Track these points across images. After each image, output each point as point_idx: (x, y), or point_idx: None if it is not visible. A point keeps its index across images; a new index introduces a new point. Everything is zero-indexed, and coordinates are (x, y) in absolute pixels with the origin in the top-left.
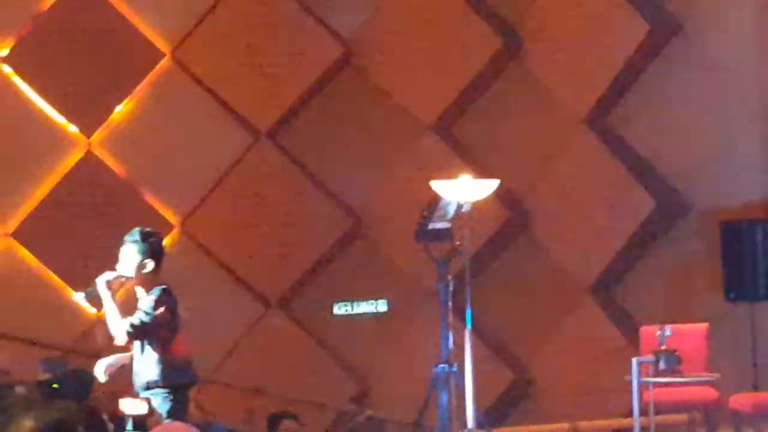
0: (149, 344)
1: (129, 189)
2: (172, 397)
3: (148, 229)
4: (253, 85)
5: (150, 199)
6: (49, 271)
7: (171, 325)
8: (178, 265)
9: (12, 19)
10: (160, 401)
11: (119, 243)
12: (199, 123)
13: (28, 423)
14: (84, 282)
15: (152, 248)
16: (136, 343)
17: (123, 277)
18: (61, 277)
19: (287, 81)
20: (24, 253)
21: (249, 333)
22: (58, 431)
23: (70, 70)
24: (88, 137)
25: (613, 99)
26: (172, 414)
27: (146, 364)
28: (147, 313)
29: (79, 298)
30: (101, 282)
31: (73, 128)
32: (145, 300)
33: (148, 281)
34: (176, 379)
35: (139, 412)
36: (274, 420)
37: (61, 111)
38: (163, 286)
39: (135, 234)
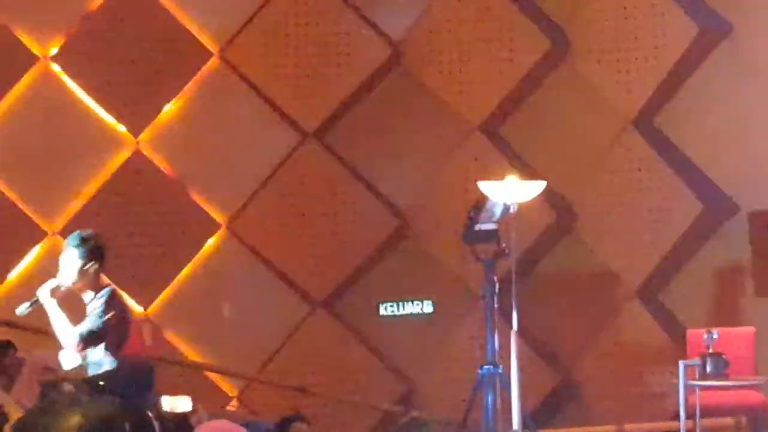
0: (103, 349)
1: (176, 188)
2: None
3: (86, 232)
4: (300, 85)
5: (197, 198)
6: None
7: (121, 328)
8: (225, 265)
9: (62, 19)
10: None
11: (163, 243)
12: (247, 123)
13: (74, 419)
14: (130, 281)
15: (92, 250)
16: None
17: (64, 285)
18: (109, 276)
19: (335, 81)
20: None
21: (295, 333)
22: (105, 428)
23: (119, 69)
24: (136, 136)
25: (661, 101)
26: None
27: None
28: (97, 318)
29: (21, 311)
30: (43, 292)
31: (121, 127)
32: (93, 305)
33: (93, 284)
34: (131, 382)
35: (182, 410)
36: (284, 423)
37: (110, 110)
38: (110, 289)
39: (73, 239)
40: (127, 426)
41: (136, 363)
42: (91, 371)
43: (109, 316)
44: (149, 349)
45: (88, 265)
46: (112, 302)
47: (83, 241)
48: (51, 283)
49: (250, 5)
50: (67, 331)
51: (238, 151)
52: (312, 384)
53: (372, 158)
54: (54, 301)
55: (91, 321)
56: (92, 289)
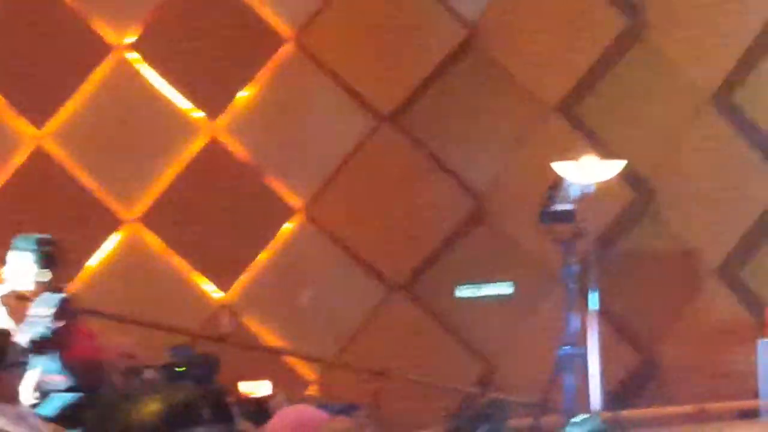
0: (52, 355)
1: (252, 173)
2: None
3: (44, 236)
4: (376, 68)
5: (273, 183)
6: (176, 255)
7: (70, 334)
8: (302, 250)
9: (139, 7)
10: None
11: (240, 228)
12: (322, 107)
13: (153, 405)
14: (209, 267)
15: (49, 257)
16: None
17: (17, 291)
18: (188, 262)
19: (411, 64)
20: (151, 238)
21: (373, 316)
22: (184, 413)
23: (195, 56)
24: (213, 122)
25: (740, 77)
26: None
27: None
28: (47, 327)
29: None
30: None
31: (197, 114)
32: (42, 311)
33: (44, 290)
34: (82, 383)
35: (262, 394)
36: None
37: (186, 97)
38: (62, 296)
39: (30, 242)
40: (205, 411)
41: (87, 367)
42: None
43: (59, 324)
44: (101, 352)
45: (42, 272)
46: (64, 310)
47: (39, 245)
48: (1, 289)
49: None
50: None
51: (314, 136)
52: (391, 367)
53: (448, 140)
54: (3, 308)
55: (41, 329)
56: (45, 294)
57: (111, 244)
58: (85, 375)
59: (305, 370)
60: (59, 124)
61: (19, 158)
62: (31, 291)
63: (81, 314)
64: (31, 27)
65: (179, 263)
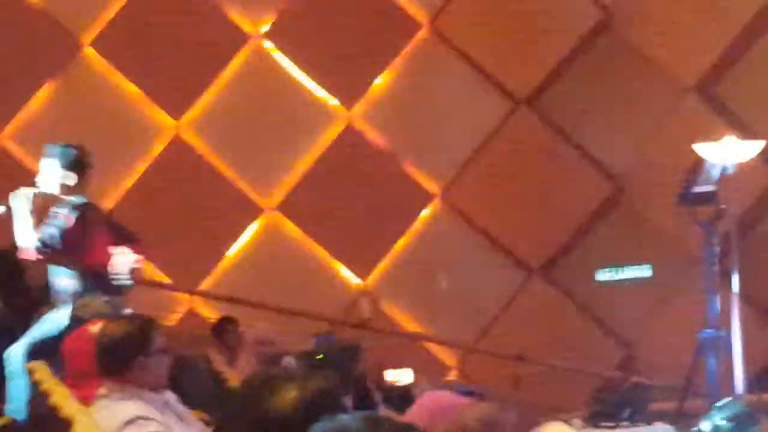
0: (61, 258)
1: (389, 160)
2: None
3: (68, 144)
4: (511, 52)
5: (410, 169)
6: (314, 243)
7: (83, 240)
8: (440, 235)
9: None
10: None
11: (377, 215)
12: (458, 92)
13: (291, 393)
14: (347, 254)
15: (73, 161)
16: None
17: (44, 193)
18: (327, 249)
19: (546, 47)
20: (290, 226)
21: (512, 301)
22: (322, 401)
23: (330, 44)
24: (349, 110)
25: None
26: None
27: (60, 277)
28: (57, 228)
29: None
30: (18, 196)
31: (333, 102)
32: (60, 214)
33: (70, 194)
34: (92, 290)
35: (405, 382)
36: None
37: (322, 84)
38: (83, 201)
39: (56, 149)
40: (346, 399)
41: (98, 271)
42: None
43: (70, 226)
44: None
45: (67, 175)
46: (80, 213)
47: (63, 149)
48: (28, 191)
49: None
50: (26, 236)
51: (451, 121)
52: (530, 351)
53: (585, 123)
54: (29, 206)
55: (51, 230)
56: (69, 197)
57: (250, 232)
58: (94, 282)
59: (445, 356)
60: (197, 114)
61: (158, 148)
62: (57, 194)
63: (102, 223)
64: (167, 17)
65: (318, 251)
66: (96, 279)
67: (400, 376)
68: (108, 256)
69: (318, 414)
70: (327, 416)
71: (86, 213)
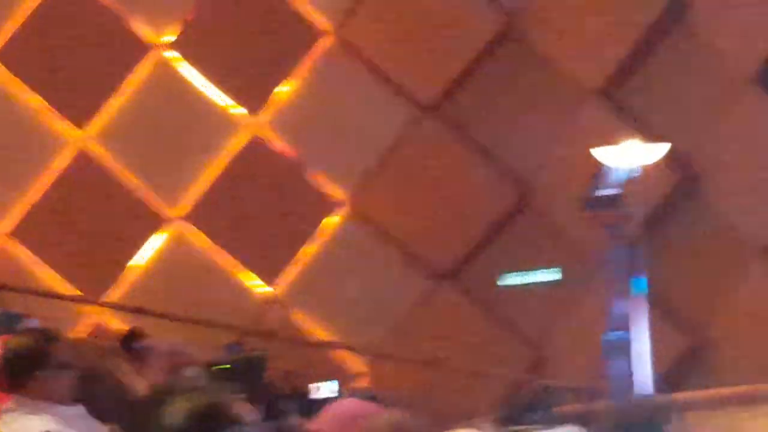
0: None
1: (295, 168)
2: None
3: None
4: (416, 59)
5: (317, 176)
6: (221, 252)
7: None
8: (348, 242)
9: (175, 5)
10: None
11: (285, 223)
12: (364, 99)
13: (183, 405)
14: (255, 262)
15: None
16: None
17: None
18: (235, 258)
19: (451, 54)
20: (198, 235)
21: (421, 306)
22: (212, 414)
23: (235, 52)
24: (254, 118)
25: None
26: None
27: None
28: None
29: None
30: None
31: (238, 110)
32: None
33: None
34: None
35: (329, 395)
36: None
37: (227, 93)
38: None
39: None
40: (234, 413)
41: None
42: None
43: None
44: None
45: None
46: None
47: None
48: None
49: None
50: None
51: (356, 129)
52: (441, 357)
53: (490, 129)
54: None
55: None
56: None
57: (157, 242)
58: None
59: (355, 363)
60: (103, 125)
61: (62, 159)
62: None
63: None
64: (69, 27)
65: (226, 260)
66: None
67: (323, 388)
68: None
69: (209, 427)
70: (221, 428)
71: None
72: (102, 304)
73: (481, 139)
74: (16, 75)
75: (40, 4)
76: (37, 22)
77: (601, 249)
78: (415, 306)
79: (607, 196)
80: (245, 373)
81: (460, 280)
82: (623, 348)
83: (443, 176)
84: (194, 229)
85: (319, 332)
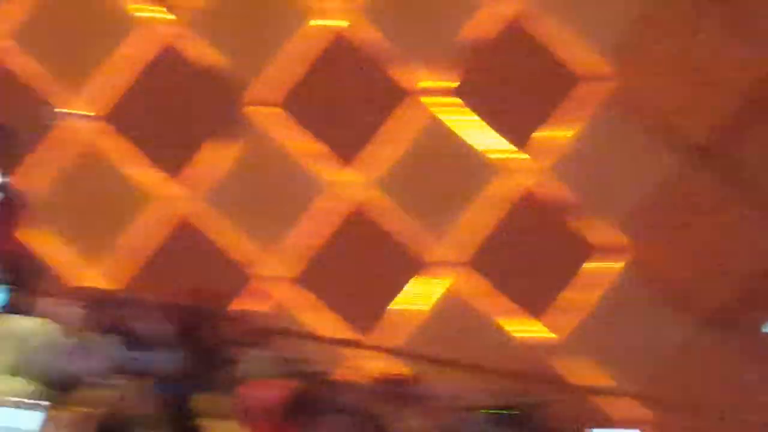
0: None
1: (566, 214)
2: None
3: None
4: (685, 96)
5: (590, 222)
6: (504, 298)
7: None
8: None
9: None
10: None
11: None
12: (631, 144)
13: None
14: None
15: None
16: None
17: None
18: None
19: (720, 90)
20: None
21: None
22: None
23: (511, 98)
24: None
25: None
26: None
27: None
28: None
29: None
30: None
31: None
32: None
33: None
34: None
35: None
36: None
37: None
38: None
39: None
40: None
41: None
42: None
43: None
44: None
45: None
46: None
47: None
48: None
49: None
50: None
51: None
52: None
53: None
54: None
55: None
56: None
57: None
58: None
59: (638, 411)
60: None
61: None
62: None
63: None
64: None
65: (505, 306)
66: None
67: None
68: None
69: None
70: None
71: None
72: (386, 350)
73: (746, 184)
74: None
75: None
76: None
77: None
78: (679, 351)
79: None
80: (526, 419)
81: (727, 324)
82: None
83: (715, 223)
84: (477, 275)
85: (600, 379)
